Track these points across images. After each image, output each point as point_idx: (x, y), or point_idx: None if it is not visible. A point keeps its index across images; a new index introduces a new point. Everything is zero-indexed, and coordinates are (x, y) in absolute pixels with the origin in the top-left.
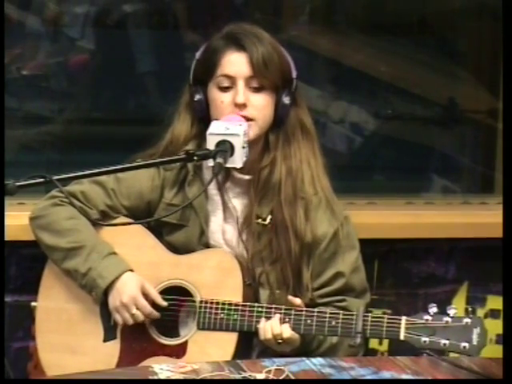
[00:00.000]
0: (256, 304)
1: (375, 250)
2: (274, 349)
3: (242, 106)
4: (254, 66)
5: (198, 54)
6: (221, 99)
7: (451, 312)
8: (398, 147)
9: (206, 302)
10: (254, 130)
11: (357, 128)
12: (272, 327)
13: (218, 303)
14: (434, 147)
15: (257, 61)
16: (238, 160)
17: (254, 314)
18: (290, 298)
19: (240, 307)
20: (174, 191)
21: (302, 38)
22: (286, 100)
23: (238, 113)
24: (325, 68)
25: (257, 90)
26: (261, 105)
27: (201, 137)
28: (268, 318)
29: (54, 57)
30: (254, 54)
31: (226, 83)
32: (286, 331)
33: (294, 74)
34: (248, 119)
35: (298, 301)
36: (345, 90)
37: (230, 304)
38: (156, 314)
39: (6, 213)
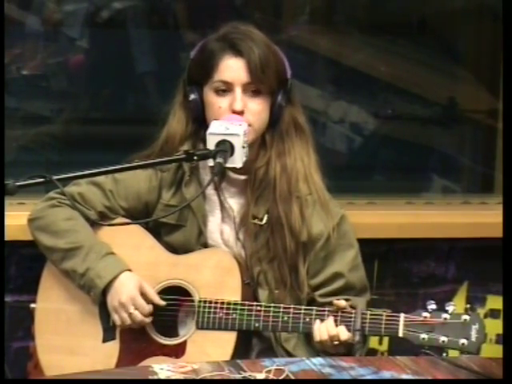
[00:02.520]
0: (255, 303)
1: (375, 250)
2: (327, 350)
3: (240, 112)
4: (252, 71)
5: (192, 54)
6: (218, 104)
7: (450, 309)
8: (398, 147)
9: (205, 302)
10: (250, 134)
11: (357, 128)
12: (328, 329)
13: (216, 303)
14: (433, 147)
15: (254, 66)
16: (237, 160)
17: (253, 312)
18: (335, 301)
19: (239, 306)
20: (172, 192)
21: (302, 38)
22: (282, 101)
23: None
24: (325, 68)
25: (254, 94)
26: (258, 110)
27: (196, 136)
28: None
29: (53, 57)
30: (252, 59)
31: (223, 88)
32: (343, 333)
33: (289, 73)
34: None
35: (342, 303)
36: (345, 90)
37: (228, 303)
38: (153, 314)
39: (6, 213)
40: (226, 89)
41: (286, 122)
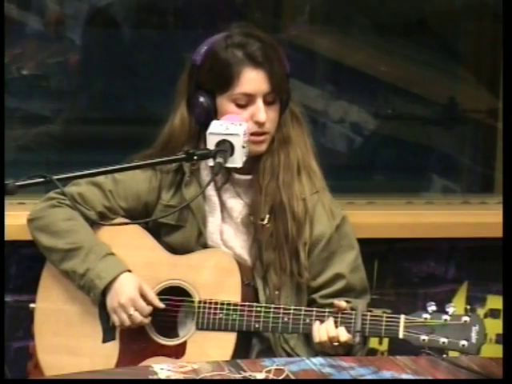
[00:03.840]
0: (255, 304)
1: (375, 250)
2: (326, 351)
3: (263, 123)
4: (274, 82)
5: (198, 60)
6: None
7: (450, 310)
8: (398, 147)
9: (205, 303)
10: (267, 141)
11: (357, 128)
12: (327, 330)
13: (216, 303)
14: (433, 147)
15: (276, 77)
16: (237, 159)
17: (253, 313)
18: (336, 302)
19: (239, 307)
20: (171, 192)
21: (302, 38)
22: (288, 100)
23: (258, 130)
24: (325, 68)
25: (271, 103)
26: (274, 117)
27: (197, 137)
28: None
29: (53, 57)
30: (274, 70)
31: (244, 101)
32: (343, 334)
33: (288, 68)
34: (265, 133)
35: (343, 304)
36: (345, 90)
37: (228, 304)
38: (152, 315)
39: (6, 213)
40: (246, 102)
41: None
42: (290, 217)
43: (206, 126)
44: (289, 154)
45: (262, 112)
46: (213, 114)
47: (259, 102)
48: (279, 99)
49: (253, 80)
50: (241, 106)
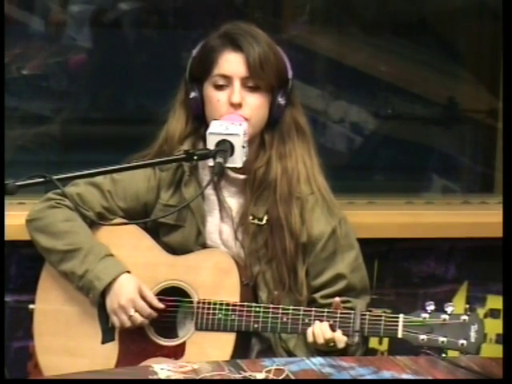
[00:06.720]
0: (253, 304)
1: (375, 250)
2: (322, 350)
3: (238, 105)
4: (251, 66)
5: (194, 52)
6: (217, 98)
7: (449, 309)
8: (398, 147)
9: (204, 303)
10: (248, 129)
11: (357, 128)
12: (323, 332)
13: (215, 304)
14: (433, 147)
15: (253, 62)
16: (238, 159)
17: (252, 314)
18: (335, 301)
19: (237, 307)
20: (171, 192)
21: (302, 38)
22: (282, 100)
23: (234, 112)
24: (325, 68)
25: (252, 89)
26: (256, 105)
27: (196, 134)
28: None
29: (53, 57)
30: (251, 54)
31: (222, 82)
32: (339, 338)
33: (290, 74)
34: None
35: (340, 302)
36: (345, 90)
37: (227, 304)
38: (154, 315)
39: (6, 212)
40: (224, 83)
41: (286, 123)
42: (288, 234)
43: (200, 119)
44: (287, 169)
45: (236, 93)
46: (200, 103)
47: (235, 84)
48: (268, 92)
49: (230, 62)
50: (219, 88)
